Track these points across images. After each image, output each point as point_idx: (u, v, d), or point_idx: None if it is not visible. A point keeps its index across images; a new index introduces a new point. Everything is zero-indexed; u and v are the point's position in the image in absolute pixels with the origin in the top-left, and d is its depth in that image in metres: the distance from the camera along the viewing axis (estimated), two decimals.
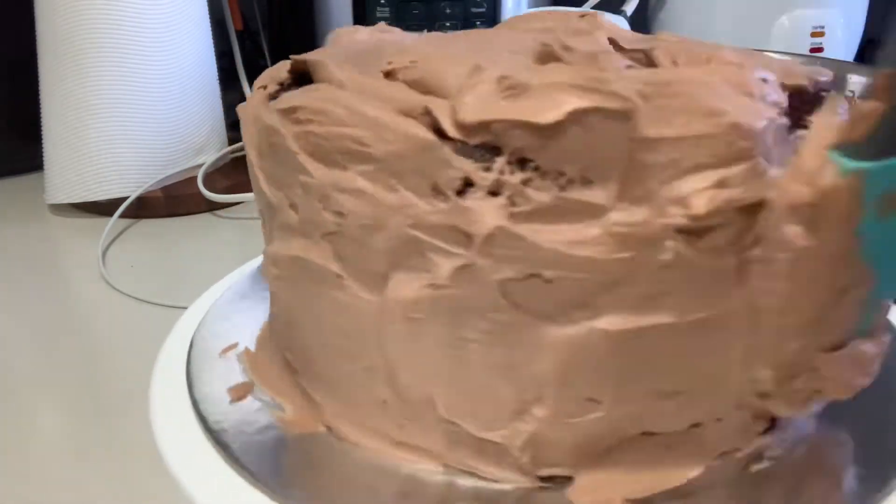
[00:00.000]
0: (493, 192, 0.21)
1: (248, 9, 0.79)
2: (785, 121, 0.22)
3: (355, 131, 0.22)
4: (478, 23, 0.68)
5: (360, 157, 0.22)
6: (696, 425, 0.23)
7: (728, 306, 0.22)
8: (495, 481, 0.24)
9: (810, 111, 0.23)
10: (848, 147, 0.20)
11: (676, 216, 0.20)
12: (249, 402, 0.27)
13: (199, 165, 0.62)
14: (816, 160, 0.20)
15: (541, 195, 0.21)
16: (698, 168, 0.20)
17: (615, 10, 0.73)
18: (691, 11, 0.74)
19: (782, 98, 0.22)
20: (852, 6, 0.71)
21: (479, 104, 0.21)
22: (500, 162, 0.21)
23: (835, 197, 0.20)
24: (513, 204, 0.21)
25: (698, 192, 0.20)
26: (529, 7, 0.76)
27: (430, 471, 0.24)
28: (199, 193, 0.59)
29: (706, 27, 0.72)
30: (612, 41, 0.26)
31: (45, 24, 0.58)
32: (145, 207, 0.60)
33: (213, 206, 0.61)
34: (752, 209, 0.21)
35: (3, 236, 0.58)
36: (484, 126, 0.21)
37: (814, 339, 0.22)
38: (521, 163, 0.21)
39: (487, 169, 0.21)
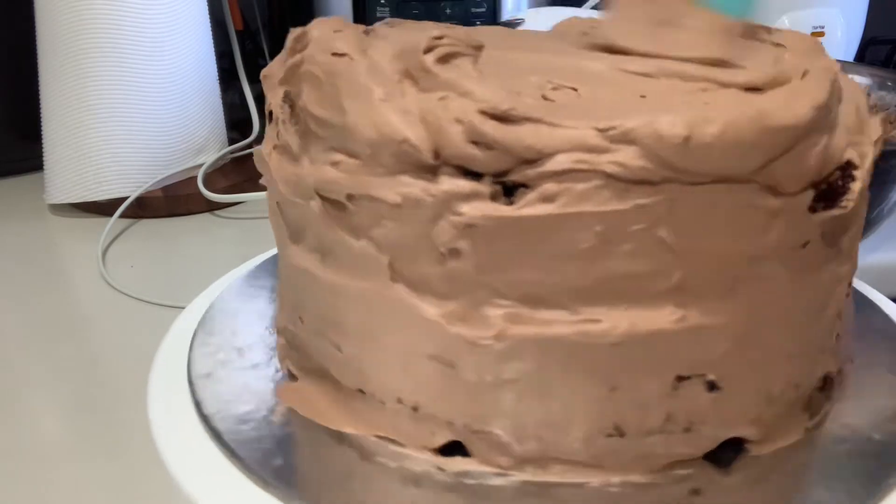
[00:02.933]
0: None
1: (248, 9, 0.79)
2: None
3: None
4: (477, 22, 0.68)
5: None
6: None
7: None
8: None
9: None
10: None
11: None
12: (250, 401, 0.27)
13: (199, 165, 0.62)
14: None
15: None
16: None
17: None
18: None
19: None
20: (852, 6, 0.71)
21: None
22: None
23: None
24: None
25: None
26: (529, 7, 0.76)
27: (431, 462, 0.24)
28: (199, 193, 0.59)
29: None
30: None
31: (45, 25, 0.58)
32: (145, 207, 0.60)
33: (213, 206, 0.61)
34: None
35: (3, 236, 0.58)
36: None
37: None
38: None
39: None
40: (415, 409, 0.24)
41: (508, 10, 0.71)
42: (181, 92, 0.61)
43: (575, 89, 0.23)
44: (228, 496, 0.24)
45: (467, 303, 0.22)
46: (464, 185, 0.21)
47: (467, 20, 0.68)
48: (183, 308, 0.34)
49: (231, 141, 0.67)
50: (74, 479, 0.33)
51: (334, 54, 0.24)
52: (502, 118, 0.21)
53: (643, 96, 0.23)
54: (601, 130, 0.20)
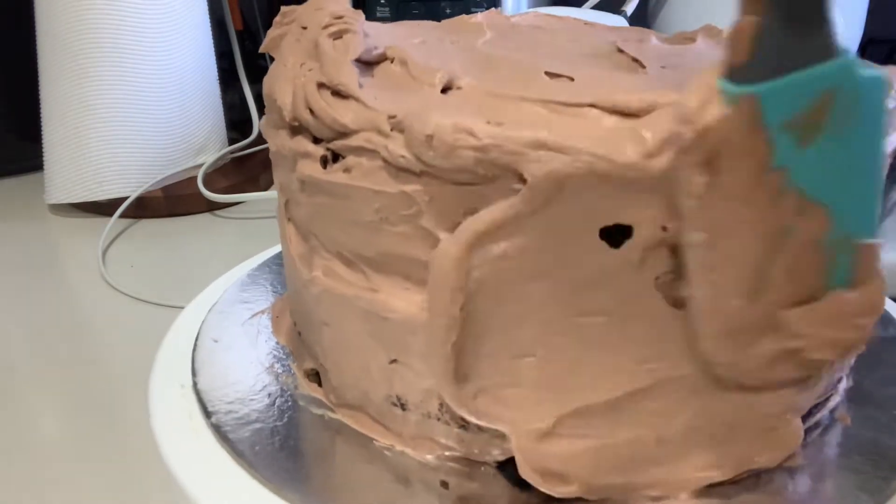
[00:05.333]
0: None
1: (248, 9, 0.79)
2: None
3: None
4: None
5: None
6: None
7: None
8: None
9: None
10: (735, 73, 0.19)
11: None
12: (251, 401, 0.27)
13: (199, 165, 0.62)
14: (699, 96, 0.19)
15: None
16: None
17: (615, 10, 0.73)
18: (691, 11, 0.74)
19: None
20: (852, 6, 0.70)
21: None
22: None
23: (724, 130, 0.18)
24: None
25: None
26: (529, 7, 0.76)
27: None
28: (199, 193, 0.59)
29: None
30: None
31: (45, 25, 0.58)
32: (145, 207, 0.60)
33: (213, 206, 0.61)
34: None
35: (3, 236, 0.58)
36: None
37: (767, 294, 0.20)
38: None
39: None
40: (299, 333, 0.29)
41: (509, 9, 0.71)
42: (181, 92, 0.61)
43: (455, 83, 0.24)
44: (230, 495, 0.24)
45: (310, 247, 0.26)
46: (305, 145, 0.24)
47: None
48: (183, 308, 0.34)
49: (231, 141, 0.67)
50: (74, 479, 0.33)
51: (303, 27, 0.27)
52: (335, 92, 0.24)
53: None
54: (390, 117, 0.22)
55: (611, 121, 0.21)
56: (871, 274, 0.21)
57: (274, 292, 0.35)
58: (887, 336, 0.30)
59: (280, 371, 0.29)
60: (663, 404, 0.22)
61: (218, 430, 0.26)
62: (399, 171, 0.22)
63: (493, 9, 0.33)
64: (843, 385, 0.27)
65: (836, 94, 0.18)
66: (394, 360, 0.24)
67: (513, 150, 0.20)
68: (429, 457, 0.25)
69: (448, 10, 0.69)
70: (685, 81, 0.20)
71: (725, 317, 0.21)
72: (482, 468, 0.24)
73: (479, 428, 0.24)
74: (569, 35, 0.30)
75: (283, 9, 0.29)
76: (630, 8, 0.74)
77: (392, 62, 0.26)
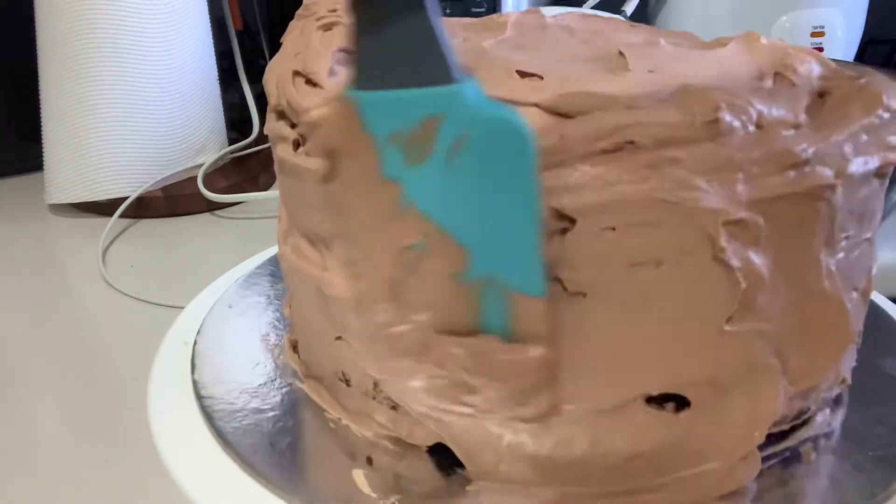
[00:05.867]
0: None
1: (248, 9, 0.79)
2: None
3: None
4: None
5: None
6: None
7: None
8: None
9: None
10: (360, 78, 0.19)
11: None
12: (254, 399, 0.27)
13: (199, 165, 0.62)
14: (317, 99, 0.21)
15: None
16: None
17: (615, 10, 0.73)
18: (691, 11, 0.74)
19: None
20: (852, 6, 0.71)
21: None
22: None
23: (326, 126, 0.20)
24: None
25: None
26: (529, 6, 0.76)
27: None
28: (199, 193, 0.59)
29: (706, 27, 0.72)
30: None
31: (46, 25, 0.58)
32: (145, 207, 0.60)
33: (212, 206, 0.61)
34: None
35: (3, 236, 0.58)
36: None
37: (408, 309, 0.21)
38: None
39: None
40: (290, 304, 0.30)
41: (509, 9, 0.71)
42: (181, 92, 0.61)
43: None
44: (229, 495, 0.24)
45: (288, 224, 0.27)
46: (284, 129, 0.25)
47: None
48: (183, 308, 0.34)
49: (231, 141, 0.67)
50: (74, 479, 0.33)
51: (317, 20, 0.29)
52: (308, 80, 0.25)
53: None
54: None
55: (542, 118, 0.21)
56: (536, 337, 0.20)
57: (274, 292, 0.35)
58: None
59: (273, 341, 0.31)
60: None
61: (218, 429, 0.26)
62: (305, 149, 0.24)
63: (533, 8, 0.33)
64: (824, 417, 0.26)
65: (443, 119, 0.19)
66: (338, 338, 0.25)
67: None
68: (367, 434, 0.26)
69: (448, 10, 0.69)
70: (663, 86, 0.21)
71: (371, 317, 0.21)
72: (415, 450, 0.25)
73: (407, 411, 0.24)
74: (587, 36, 0.29)
75: (306, 1, 0.30)
76: (630, 8, 0.74)
77: None
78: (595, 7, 0.72)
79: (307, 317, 0.27)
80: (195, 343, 0.31)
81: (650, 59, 0.26)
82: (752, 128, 0.21)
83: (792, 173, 0.21)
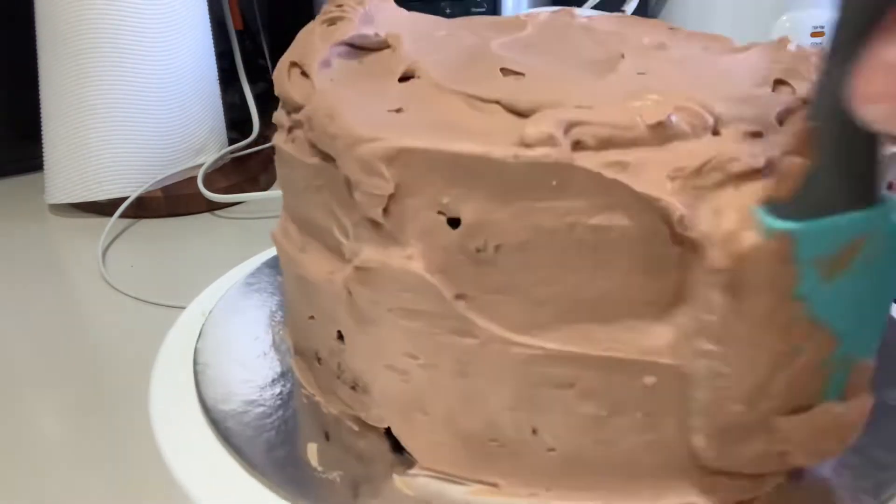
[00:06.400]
0: None
1: (248, 9, 0.79)
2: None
3: None
4: None
5: None
6: None
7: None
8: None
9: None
10: (774, 206, 0.19)
11: None
12: (255, 399, 0.27)
13: (199, 165, 0.62)
14: (737, 221, 0.19)
15: None
16: None
17: (615, 9, 0.73)
18: (691, 11, 0.74)
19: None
20: None
21: None
22: None
23: (757, 261, 0.19)
24: None
25: None
26: (529, 7, 0.76)
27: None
28: (199, 193, 0.59)
29: (706, 27, 0.72)
30: None
31: (46, 25, 0.58)
32: (145, 207, 0.60)
33: (213, 206, 0.61)
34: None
35: (3, 236, 0.58)
36: None
37: (765, 403, 0.21)
38: None
39: None
40: None
41: (509, 9, 0.71)
42: (181, 92, 0.61)
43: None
44: (231, 495, 0.24)
45: (283, 208, 0.29)
46: (282, 117, 0.27)
47: None
48: (183, 308, 0.34)
49: (231, 141, 0.67)
50: (74, 479, 0.33)
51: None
52: (303, 72, 0.26)
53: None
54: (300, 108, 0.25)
55: (504, 119, 0.22)
56: (861, 389, 0.21)
57: (274, 291, 0.35)
58: None
59: (278, 319, 0.33)
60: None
61: (220, 429, 0.26)
62: (311, 145, 0.24)
63: (566, 7, 0.33)
64: None
65: (869, 237, 0.19)
66: (311, 317, 0.27)
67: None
68: (333, 411, 0.27)
69: (448, 11, 0.69)
70: (633, 88, 0.21)
71: (722, 419, 0.21)
72: (375, 431, 0.26)
73: (365, 390, 0.25)
74: (605, 37, 0.29)
75: None
76: (630, 8, 0.74)
77: (388, 49, 0.28)
78: (595, 7, 0.72)
79: (289, 295, 0.29)
80: (196, 342, 0.31)
81: (651, 62, 0.26)
82: (707, 134, 0.21)
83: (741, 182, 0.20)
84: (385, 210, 0.22)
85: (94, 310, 0.48)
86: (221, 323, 0.33)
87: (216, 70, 0.65)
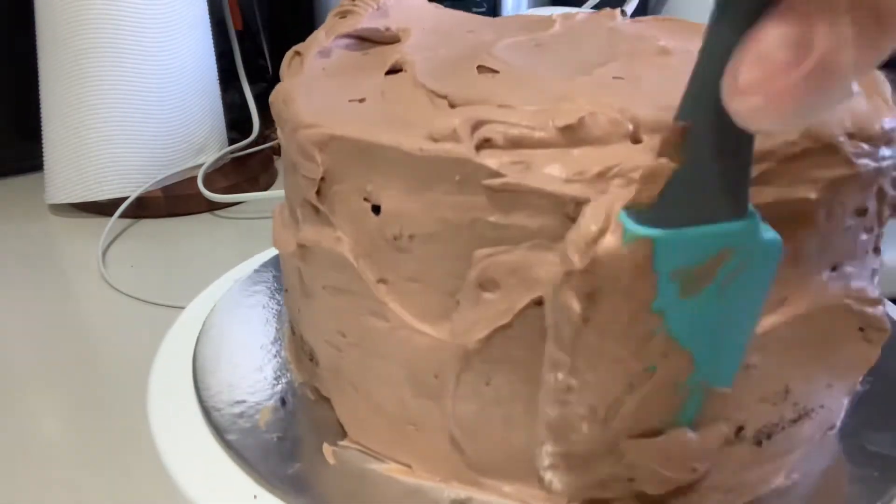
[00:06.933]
0: None
1: (248, 9, 0.79)
2: None
3: None
4: None
5: None
6: None
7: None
8: None
9: None
10: (639, 211, 0.18)
11: None
12: (254, 400, 0.27)
13: (199, 165, 0.62)
14: (598, 223, 0.18)
15: None
16: None
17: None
18: (690, 11, 0.74)
19: None
20: None
21: None
22: None
23: (613, 266, 0.18)
24: None
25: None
26: (529, 7, 0.76)
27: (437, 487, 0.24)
28: (199, 193, 0.59)
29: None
30: None
31: (46, 25, 0.58)
32: (145, 207, 0.60)
33: (213, 206, 0.61)
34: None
35: (3, 236, 0.58)
36: None
37: (614, 423, 0.20)
38: None
39: None
40: None
41: (509, 9, 0.71)
42: (181, 92, 0.61)
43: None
44: (229, 496, 0.24)
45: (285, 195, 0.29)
46: None
47: None
48: (183, 308, 0.34)
49: (231, 141, 0.67)
50: (74, 479, 0.33)
51: None
52: (302, 60, 0.27)
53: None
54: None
55: (443, 113, 0.22)
56: (715, 417, 0.21)
57: (275, 292, 0.35)
58: None
59: (278, 318, 0.33)
60: None
61: (219, 430, 0.26)
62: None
63: (608, 10, 0.32)
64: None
65: (733, 253, 0.18)
66: (286, 290, 0.28)
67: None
68: (299, 378, 0.29)
69: None
70: (583, 92, 0.21)
71: (569, 437, 0.21)
72: (328, 401, 0.27)
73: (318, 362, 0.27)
74: (620, 40, 0.28)
75: None
76: (630, 8, 0.74)
77: (398, 43, 0.28)
78: (595, 7, 0.72)
79: (285, 276, 0.30)
80: (195, 342, 0.31)
81: (640, 67, 0.25)
82: (625, 141, 0.20)
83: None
84: (319, 193, 0.23)
85: (94, 310, 0.48)
86: (221, 323, 0.33)
87: (216, 70, 0.65)
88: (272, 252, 0.39)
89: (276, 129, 0.28)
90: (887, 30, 0.13)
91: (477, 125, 0.20)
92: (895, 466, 0.24)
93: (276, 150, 0.71)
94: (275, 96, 0.26)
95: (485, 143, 0.20)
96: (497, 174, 0.19)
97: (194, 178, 0.60)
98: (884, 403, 0.27)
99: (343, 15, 0.29)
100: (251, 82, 0.73)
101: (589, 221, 0.18)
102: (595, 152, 0.20)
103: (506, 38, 0.28)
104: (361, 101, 0.24)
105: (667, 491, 0.21)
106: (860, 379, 0.25)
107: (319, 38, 0.28)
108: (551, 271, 0.19)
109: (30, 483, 0.33)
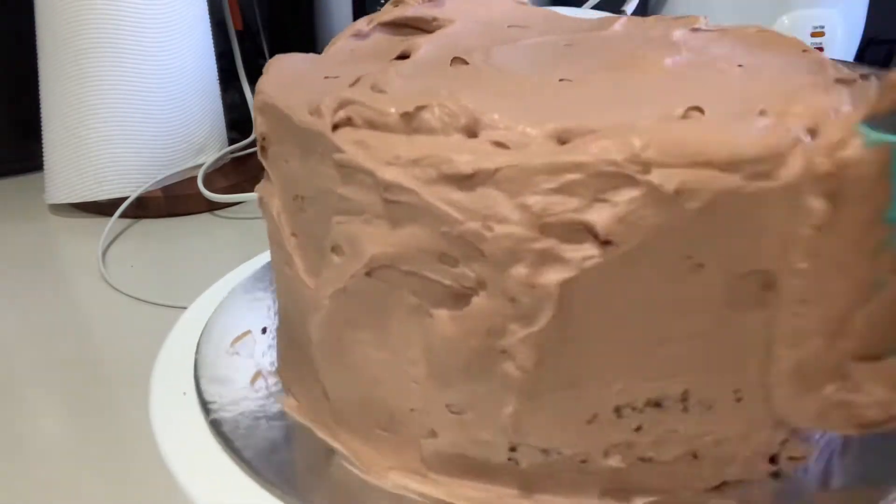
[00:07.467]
0: None
1: (248, 9, 0.79)
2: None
3: None
4: None
5: None
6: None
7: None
8: None
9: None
10: (876, 120, 0.19)
11: None
12: (255, 400, 0.27)
13: (199, 165, 0.62)
14: (841, 131, 0.19)
15: None
16: None
17: (615, 9, 0.72)
18: (690, 11, 0.74)
19: None
20: (852, 6, 0.70)
21: None
22: None
23: (857, 169, 0.19)
24: None
25: None
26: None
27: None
28: (199, 193, 0.59)
29: None
30: None
31: (46, 25, 0.58)
32: (145, 207, 0.60)
33: (213, 206, 0.61)
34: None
35: (3, 236, 0.58)
36: None
37: (844, 340, 0.20)
38: None
39: None
40: None
41: None
42: (181, 92, 0.61)
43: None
44: (230, 497, 0.24)
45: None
46: None
47: None
48: (183, 308, 0.34)
49: (231, 141, 0.67)
50: (74, 479, 0.33)
51: None
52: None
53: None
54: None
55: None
56: None
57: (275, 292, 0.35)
58: None
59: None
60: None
61: (220, 430, 0.26)
62: None
63: (690, 16, 0.32)
64: None
65: None
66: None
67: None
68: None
69: None
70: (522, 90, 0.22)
71: (801, 353, 0.21)
72: None
73: None
74: (632, 47, 0.28)
75: None
76: (630, 8, 0.74)
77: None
78: (595, 7, 0.72)
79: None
80: (197, 342, 0.31)
81: (622, 76, 0.25)
82: (458, 135, 0.21)
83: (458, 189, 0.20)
84: (264, 153, 0.27)
85: (94, 310, 0.48)
86: (222, 323, 0.32)
87: (216, 70, 0.65)
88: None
89: None
90: None
91: (342, 104, 0.22)
92: None
93: None
94: (267, 69, 0.28)
95: (346, 122, 0.22)
96: (339, 150, 0.22)
97: (194, 178, 0.60)
98: None
99: (396, 3, 0.31)
100: (251, 82, 0.73)
101: (833, 130, 0.19)
102: (427, 140, 0.21)
103: (537, 36, 0.28)
104: (335, 78, 0.26)
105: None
106: None
107: (356, 22, 0.30)
108: (377, 244, 0.22)
109: (30, 483, 0.33)
